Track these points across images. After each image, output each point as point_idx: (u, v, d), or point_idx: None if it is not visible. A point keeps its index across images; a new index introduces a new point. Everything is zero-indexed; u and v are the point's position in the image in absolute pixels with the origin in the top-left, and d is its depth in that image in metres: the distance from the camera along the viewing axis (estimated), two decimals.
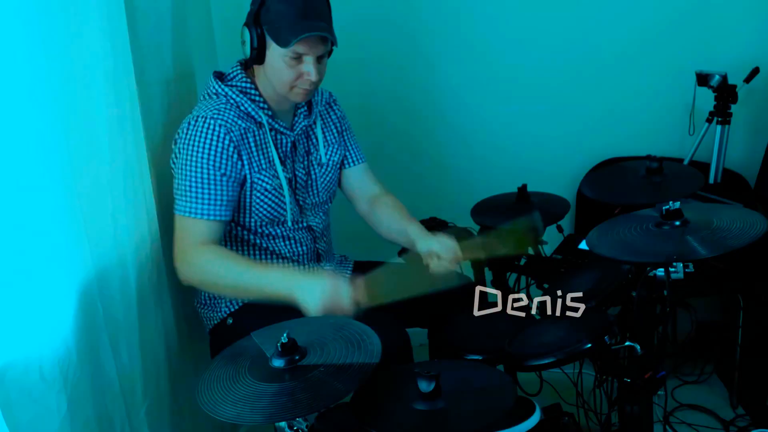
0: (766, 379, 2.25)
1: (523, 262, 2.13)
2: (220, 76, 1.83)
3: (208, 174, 1.71)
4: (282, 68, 1.72)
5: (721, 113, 2.45)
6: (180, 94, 2.01)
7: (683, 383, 2.50)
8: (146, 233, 1.71)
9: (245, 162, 1.76)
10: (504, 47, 2.67)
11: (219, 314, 1.87)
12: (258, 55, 1.73)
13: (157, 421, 1.74)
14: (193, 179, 1.71)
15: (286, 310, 1.56)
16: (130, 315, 1.63)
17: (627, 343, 1.53)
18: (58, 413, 1.34)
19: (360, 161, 2.04)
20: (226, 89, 1.78)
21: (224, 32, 2.45)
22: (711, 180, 2.50)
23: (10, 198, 1.25)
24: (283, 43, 1.68)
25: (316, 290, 1.58)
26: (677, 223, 1.52)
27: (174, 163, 1.77)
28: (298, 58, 1.71)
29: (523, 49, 2.66)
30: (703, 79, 2.43)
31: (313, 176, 1.93)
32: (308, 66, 1.72)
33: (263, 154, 1.80)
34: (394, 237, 1.99)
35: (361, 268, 2.07)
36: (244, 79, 1.80)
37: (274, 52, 1.72)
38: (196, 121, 1.73)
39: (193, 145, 1.71)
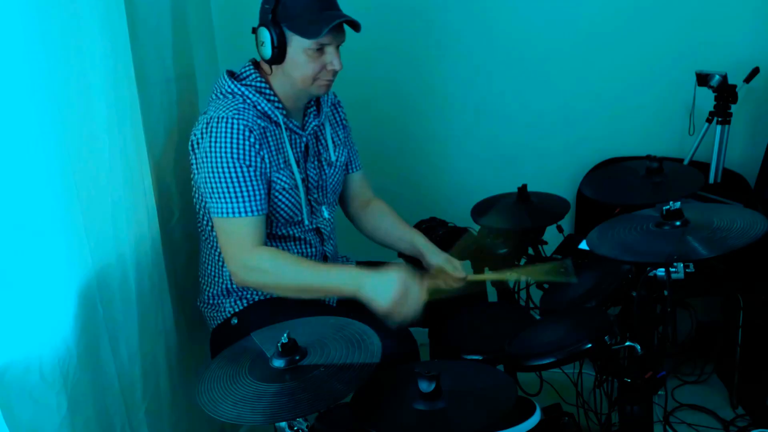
0: (766, 379, 2.24)
1: (523, 262, 2.13)
2: (232, 75, 1.82)
3: (241, 171, 1.70)
4: (305, 62, 1.73)
5: (721, 113, 2.45)
6: (180, 94, 2.01)
7: (683, 383, 2.50)
8: (146, 233, 1.71)
9: (266, 160, 1.76)
10: (504, 47, 2.66)
11: (223, 314, 1.86)
12: (279, 54, 1.73)
13: (157, 421, 1.74)
14: (228, 180, 1.70)
15: (290, 311, 1.56)
16: (130, 315, 1.63)
17: (627, 343, 1.53)
18: (58, 413, 1.35)
19: (360, 168, 2.07)
20: (243, 88, 1.77)
21: (224, 32, 2.45)
22: (711, 180, 2.50)
23: (10, 198, 1.25)
24: (312, 34, 1.68)
25: (388, 287, 1.59)
26: (677, 223, 1.51)
27: (197, 169, 1.76)
28: (321, 49, 1.73)
29: (523, 49, 2.66)
30: (703, 79, 2.43)
31: (324, 177, 1.92)
32: (331, 56, 1.74)
33: (281, 153, 1.80)
34: (390, 241, 2.03)
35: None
36: (258, 79, 1.79)
37: (296, 47, 1.72)
38: (218, 122, 1.71)
39: (220, 147, 1.69)
